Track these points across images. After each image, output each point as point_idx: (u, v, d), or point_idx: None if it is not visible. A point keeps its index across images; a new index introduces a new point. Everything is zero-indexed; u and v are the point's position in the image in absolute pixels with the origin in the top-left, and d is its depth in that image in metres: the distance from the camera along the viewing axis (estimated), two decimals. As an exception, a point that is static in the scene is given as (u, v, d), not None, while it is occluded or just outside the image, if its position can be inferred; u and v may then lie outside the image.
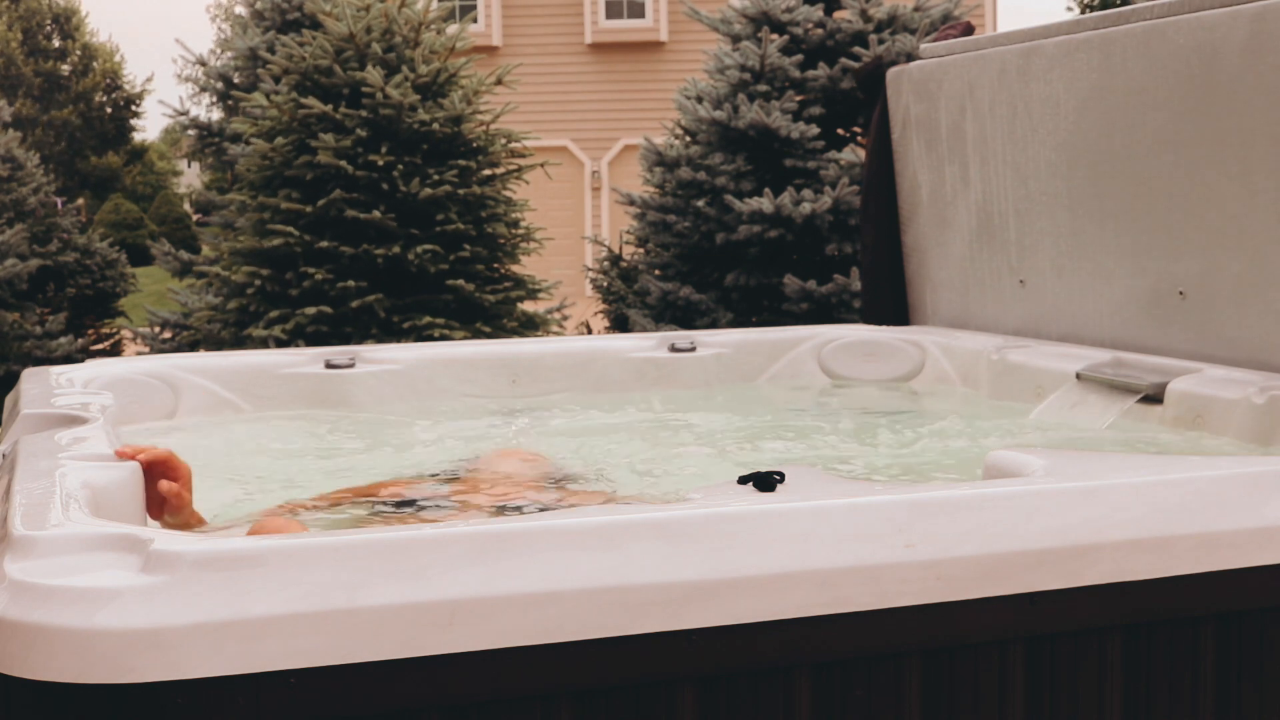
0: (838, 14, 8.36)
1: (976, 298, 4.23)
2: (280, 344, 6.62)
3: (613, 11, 19.75)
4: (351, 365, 3.84)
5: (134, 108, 34.04)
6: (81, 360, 5.95)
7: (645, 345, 4.18)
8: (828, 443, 3.51)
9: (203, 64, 10.39)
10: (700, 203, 7.86)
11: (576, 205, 19.96)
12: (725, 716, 1.72)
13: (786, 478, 2.06)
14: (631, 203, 8.30)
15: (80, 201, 23.23)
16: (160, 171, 34.72)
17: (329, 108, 6.88)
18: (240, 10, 11.50)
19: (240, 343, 6.93)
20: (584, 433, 3.67)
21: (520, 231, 7.43)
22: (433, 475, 3.03)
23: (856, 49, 7.81)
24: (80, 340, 10.39)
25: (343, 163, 6.79)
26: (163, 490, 2.26)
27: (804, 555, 1.76)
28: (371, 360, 3.90)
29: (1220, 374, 3.17)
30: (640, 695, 1.69)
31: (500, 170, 7.48)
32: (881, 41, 7.70)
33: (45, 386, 3.17)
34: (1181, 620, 1.95)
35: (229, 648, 1.52)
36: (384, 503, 2.69)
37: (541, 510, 2.54)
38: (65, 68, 32.74)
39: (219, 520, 2.49)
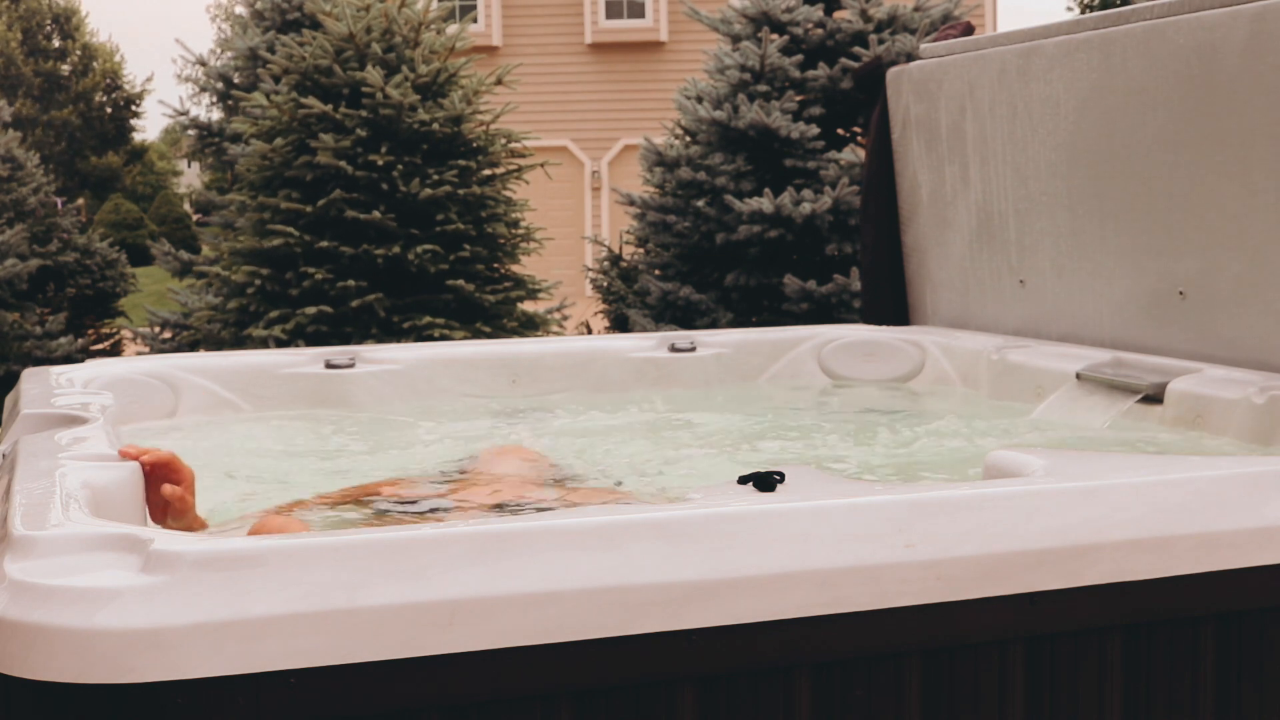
0: (838, 14, 8.36)
1: (976, 298, 4.23)
2: (280, 344, 6.62)
3: (613, 11, 19.75)
4: (351, 365, 3.84)
5: (134, 108, 34.04)
6: (81, 360, 5.95)
7: (645, 345, 4.18)
8: (828, 443, 3.51)
9: (203, 64, 10.39)
10: (700, 203, 7.86)
11: (576, 205, 19.96)
12: (725, 716, 1.72)
13: (786, 478, 2.06)
14: (631, 203, 8.30)
15: (80, 201, 23.23)
16: (160, 171, 34.72)
17: (329, 108, 6.88)
18: (240, 10, 11.50)
19: (240, 343, 6.94)
20: (584, 433, 3.67)
21: (520, 231, 7.44)
22: (432, 475, 3.03)
23: (856, 49, 7.81)
24: (80, 340, 10.39)
25: (342, 163, 6.79)
26: (165, 494, 2.26)
27: (804, 555, 1.76)
28: (371, 360, 3.90)
29: (1220, 374, 3.17)
30: (640, 695, 1.69)
31: (500, 170, 7.48)
32: (881, 41, 7.70)
33: (45, 386, 3.17)
34: (1181, 620, 1.95)
35: (229, 648, 1.52)
36: (384, 503, 2.68)
37: (542, 510, 2.54)
38: (65, 68, 32.74)
39: (219, 520, 2.49)
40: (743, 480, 2.06)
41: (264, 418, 3.70)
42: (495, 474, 2.96)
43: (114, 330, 11.85)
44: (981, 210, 4.13)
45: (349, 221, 6.85)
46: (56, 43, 32.93)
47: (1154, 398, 3.24)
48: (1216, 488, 2.02)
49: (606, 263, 9.84)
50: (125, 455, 2.27)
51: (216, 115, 10.52)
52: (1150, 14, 3.37)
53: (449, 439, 3.55)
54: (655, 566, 1.69)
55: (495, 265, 7.36)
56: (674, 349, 4.14)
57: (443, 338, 6.65)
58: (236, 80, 9.86)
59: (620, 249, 10.37)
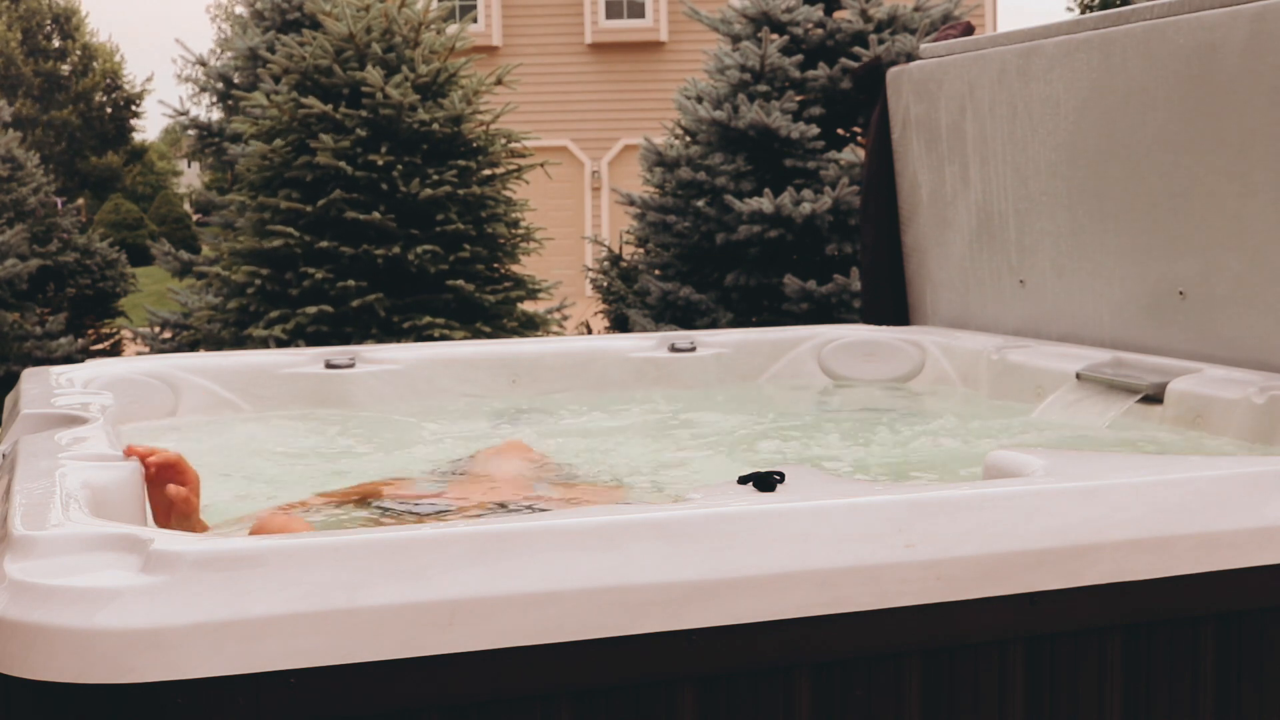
0: (838, 14, 8.36)
1: (976, 298, 4.23)
2: (280, 344, 6.62)
3: (613, 11, 19.75)
4: (351, 365, 3.84)
5: (134, 108, 34.04)
6: (81, 360, 5.95)
7: (645, 345, 4.18)
8: (828, 443, 3.51)
9: (203, 64, 10.39)
10: (700, 203, 7.86)
11: (576, 205, 19.96)
12: (725, 716, 1.72)
13: (786, 478, 2.06)
14: (631, 203, 8.30)
15: (80, 201, 23.22)
16: (160, 171, 34.71)
17: (329, 108, 6.88)
18: (240, 10, 11.50)
19: (240, 343, 6.94)
20: (584, 433, 3.67)
21: (520, 231, 7.44)
22: (432, 475, 3.03)
23: (856, 49, 7.81)
24: (80, 340, 10.39)
25: (342, 163, 6.79)
26: (171, 495, 2.24)
27: (804, 555, 1.76)
28: (371, 360, 3.90)
29: (1220, 374, 3.17)
30: (640, 695, 1.69)
31: (500, 170, 7.48)
32: (881, 41, 7.70)
33: (45, 386, 3.17)
34: (1181, 620, 1.95)
35: (229, 648, 1.52)
36: (384, 502, 2.69)
37: (542, 510, 2.54)
38: (65, 68, 32.74)
39: (218, 520, 2.49)
40: (743, 480, 2.06)
41: (264, 418, 3.70)
42: (495, 474, 2.96)
43: (114, 330, 11.85)
44: (981, 210, 4.13)
45: (349, 222, 6.85)
46: (56, 43, 32.93)
47: (1154, 398, 3.24)
48: (1216, 488, 2.02)
49: (606, 263, 9.84)
50: (131, 454, 2.26)
51: (216, 115, 10.52)
52: (1150, 14, 3.37)
53: (449, 439, 3.55)
54: (655, 566, 1.69)
55: (495, 265, 7.36)
56: (674, 349, 4.14)
57: (443, 338, 6.65)
58: (236, 80, 9.86)
59: (620, 249, 10.37)
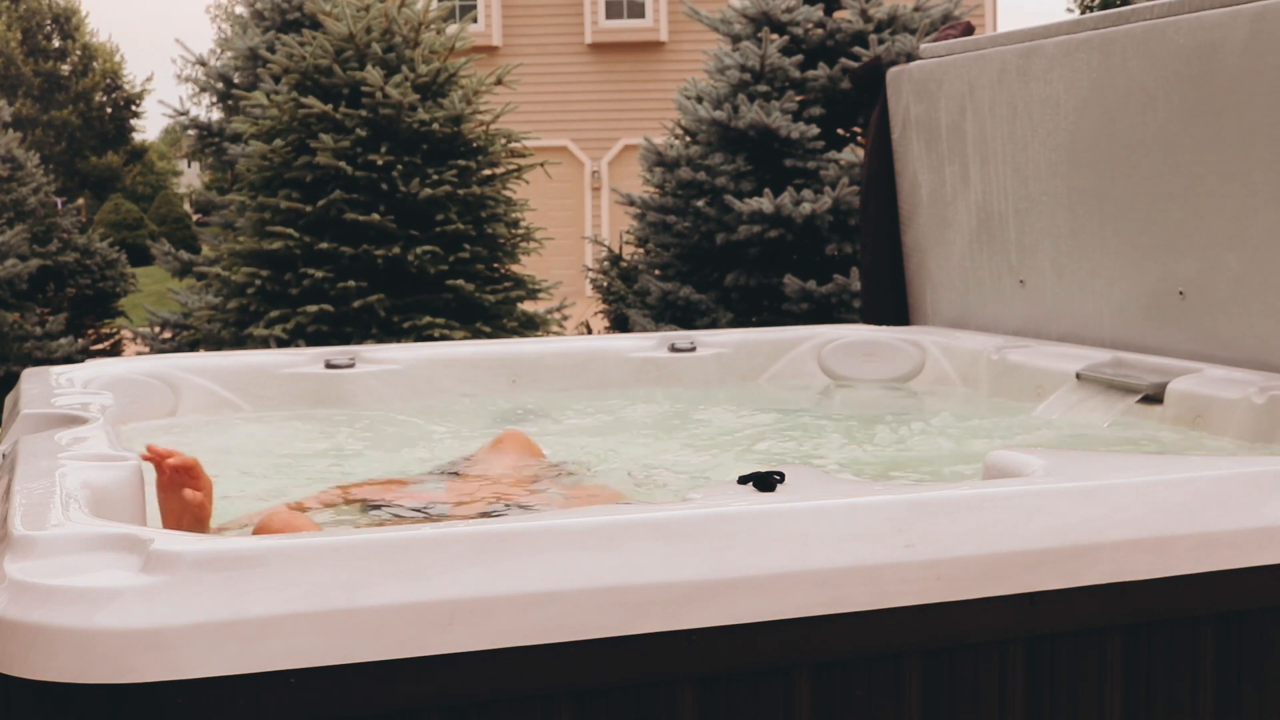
0: (838, 14, 8.36)
1: (976, 298, 4.23)
2: (280, 344, 6.62)
3: (613, 11, 19.75)
4: (351, 365, 3.84)
5: (134, 108, 34.03)
6: (81, 360, 5.95)
7: (645, 345, 4.18)
8: (828, 443, 3.51)
9: (203, 64, 10.38)
10: (700, 203, 7.86)
11: (576, 205, 19.96)
12: (725, 716, 1.72)
13: (786, 478, 2.06)
14: (631, 203, 8.30)
15: (80, 201, 23.20)
16: (160, 171, 34.70)
17: (329, 108, 6.87)
18: (240, 10, 11.49)
19: (240, 343, 6.93)
20: (584, 433, 3.67)
21: (520, 231, 7.43)
22: (432, 474, 3.03)
23: (856, 49, 7.81)
24: (80, 340, 10.38)
25: (342, 163, 6.79)
26: (187, 499, 2.22)
27: (804, 555, 1.76)
28: (371, 360, 3.90)
29: (1220, 374, 3.17)
30: (640, 695, 1.69)
31: (500, 170, 7.48)
32: (881, 41, 7.70)
33: (45, 386, 3.17)
34: (1181, 620, 1.95)
35: (229, 648, 1.52)
36: (384, 502, 2.69)
37: (542, 510, 2.54)
38: (65, 68, 32.73)
39: (218, 520, 2.49)
40: (743, 480, 2.06)
41: (264, 418, 3.70)
42: (494, 473, 2.96)
43: (114, 330, 11.85)
44: (981, 210, 4.13)
45: (349, 222, 6.85)
46: (56, 43, 32.93)
47: (1154, 398, 3.24)
48: (1216, 488, 2.02)
49: (606, 263, 9.84)
50: (151, 454, 2.24)
51: (216, 115, 10.51)
52: (1150, 14, 3.37)
53: (449, 439, 3.55)
54: (655, 566, 1.69)
55: (495, 265, 7.36)
56: (674, 349, 4.14)
57: (443, 338, 6.65)
58: (236, 80, 9.86)
59: (620, 249, 10.37)
